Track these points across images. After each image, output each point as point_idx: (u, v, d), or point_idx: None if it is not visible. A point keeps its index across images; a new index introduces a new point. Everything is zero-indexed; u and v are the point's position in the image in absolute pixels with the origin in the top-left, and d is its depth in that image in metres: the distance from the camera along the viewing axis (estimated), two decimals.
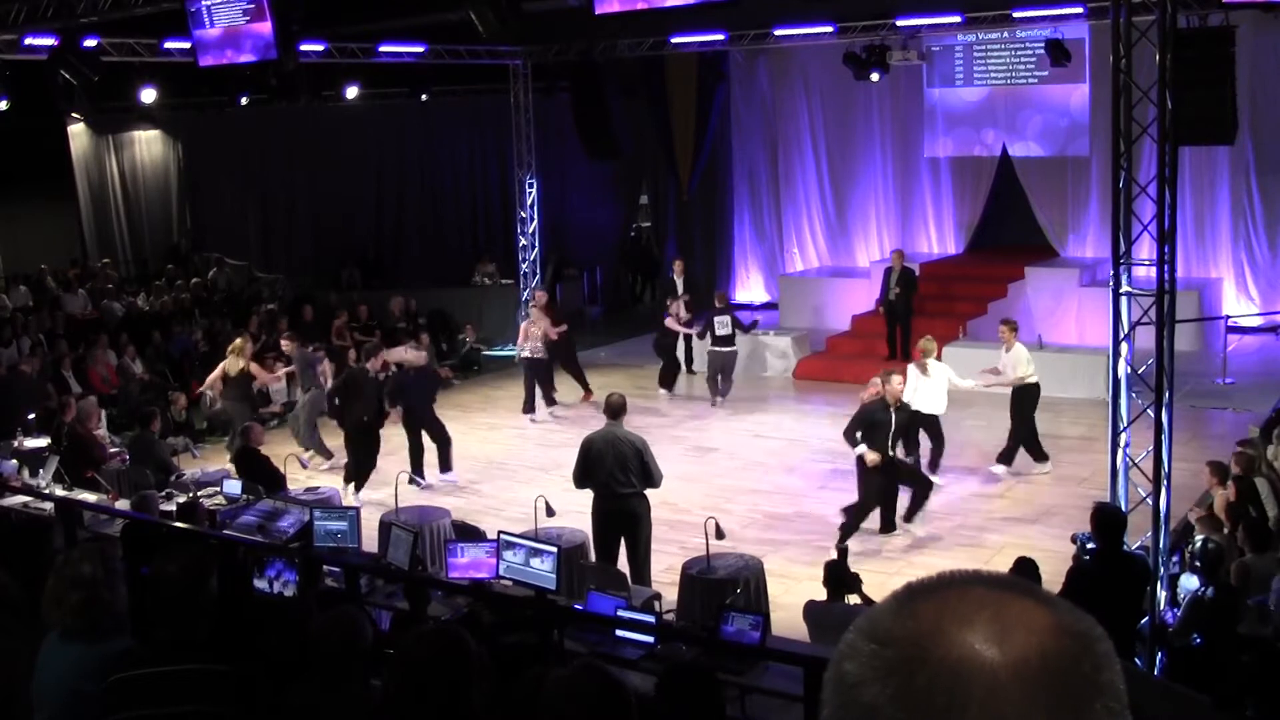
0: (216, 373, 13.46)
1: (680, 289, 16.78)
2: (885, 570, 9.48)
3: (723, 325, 15.37)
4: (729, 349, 15.46)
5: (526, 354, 15.10)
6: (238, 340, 13.84)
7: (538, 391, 15.22)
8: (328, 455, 13.30)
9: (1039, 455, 12.12)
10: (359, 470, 12.05)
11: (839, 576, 7.65)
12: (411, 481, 11.27)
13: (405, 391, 12.59)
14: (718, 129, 20.95)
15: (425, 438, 12.56)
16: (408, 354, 13.96)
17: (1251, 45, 14.77)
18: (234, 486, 10.16)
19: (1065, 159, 18.15)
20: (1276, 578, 7.15)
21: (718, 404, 15.38)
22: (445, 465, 12.55)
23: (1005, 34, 17.31)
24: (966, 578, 1.00)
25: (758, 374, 17.10)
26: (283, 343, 13.78)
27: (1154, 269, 8.23)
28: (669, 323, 16.18)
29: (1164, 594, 8.03)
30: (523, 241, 19.67)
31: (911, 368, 11.84)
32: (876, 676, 0.94)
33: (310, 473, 12.90)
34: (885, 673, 0.93)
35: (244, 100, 17.78)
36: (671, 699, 4.18)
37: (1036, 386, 12.20)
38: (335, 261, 21.62)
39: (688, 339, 16.38)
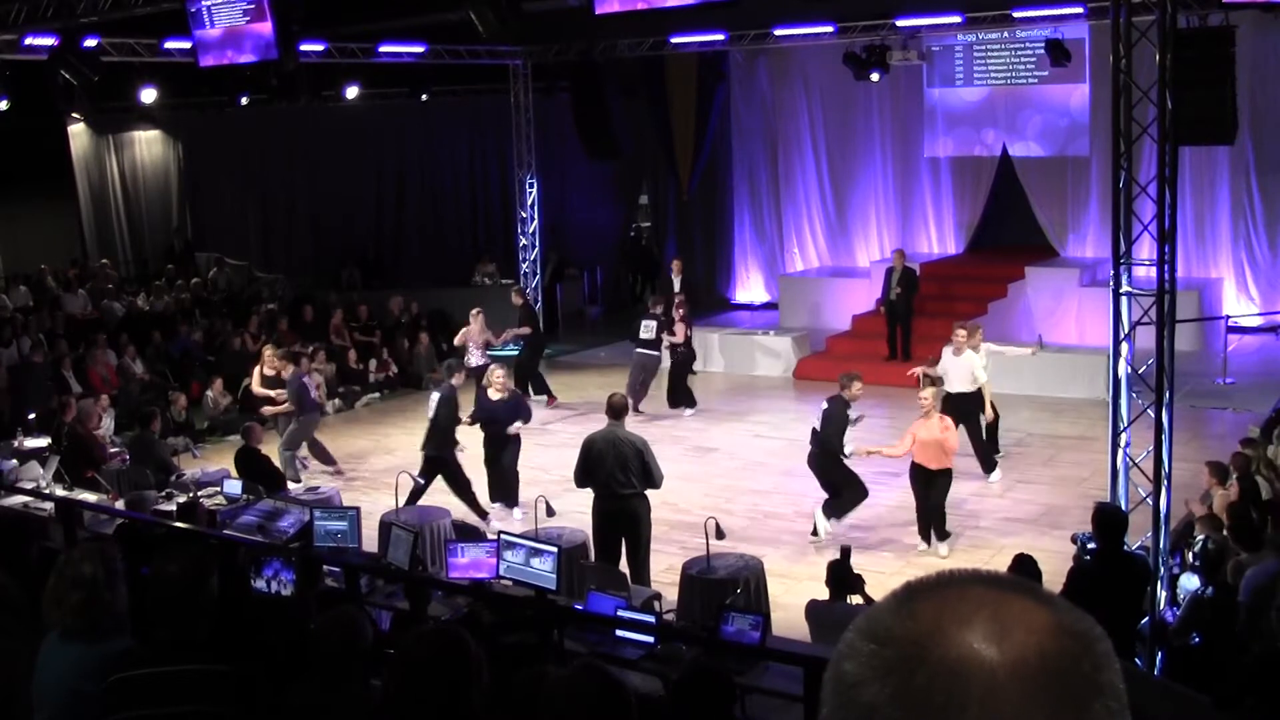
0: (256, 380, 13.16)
1: (677, 287, 16.68)
2: (886, 570, 9.48)
3: (647, 329, 14.94)
4: (651, 353, 15.01)
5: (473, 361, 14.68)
6: (267, 351, 13.57)
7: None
8: (296, 479, 12.72)
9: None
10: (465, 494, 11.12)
11: (841, 576, 7.64)
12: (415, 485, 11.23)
13: (494, 418, 11.49)
14: (718, 129, 20.94)
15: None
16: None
17: (1251, 45, 14.77)
18: (234, 486, 10.17)
19: (1065, 159, 18.15)
20: (1248, 574, 7.11)
21: (640, 414, 14.40)
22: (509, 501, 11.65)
23: (1005, 34, 17.30)
24: (966, 577, 1.00)
25: (757, 374, 17.10)
26: (277, 365, 13.12)
27: (1154, 269, 8.23)
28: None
29: (1164, 594, 8.03)
30: (523, 241, 19.67)
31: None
32: (875, 676, 0.93)
33: (310, 473, 12.90)
34: (884, 672, 0.93)
35: (244, 100, 17.78)
36: (686, 700, 4.20)
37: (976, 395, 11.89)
38: (335, 261, 21.61)
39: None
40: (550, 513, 8.91)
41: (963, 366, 11.91)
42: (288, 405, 12.81)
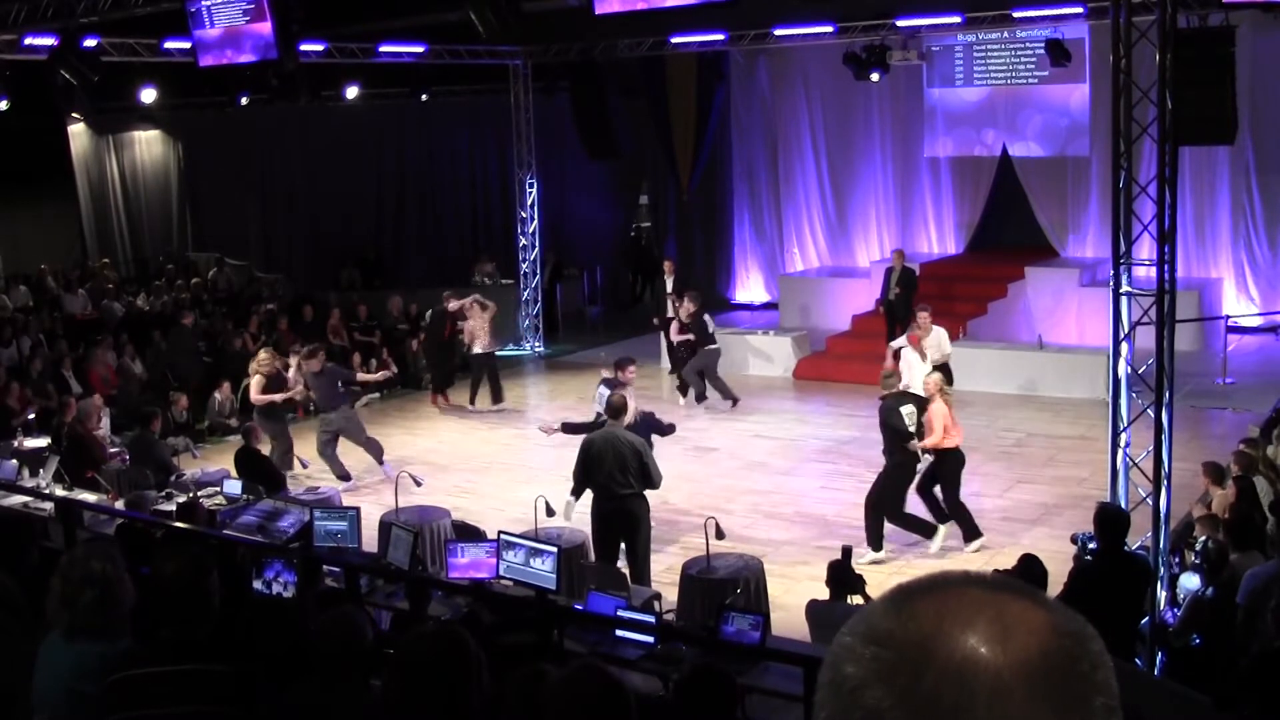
0: (256, 384, 12.56)
1: (669, 288, 16.66)
2: (885, 570, 9.49)
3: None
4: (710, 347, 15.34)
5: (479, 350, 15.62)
6: (262, 354, 13.01)
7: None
8: (346, 477, 12.64)
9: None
10: None
11: (842, 577, 7.64)
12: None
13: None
14: (718, 129, 20.93)
15: None
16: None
17: (1251, 45, 14.76)
18: (234, 486, 10.17)
19: (1065, 159, 18.15)
20: (1246, 575, 7.12)
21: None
22: None
23: (1005, 34, 17.30)
24: (960, 579, 1.00)
25: (757, 374, 17.09)
26: (307, 363, 12.86)
27: (1154, 269, 8.23)
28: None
29: (1164, 594, 8.03)
30: (523, 241, 19.66)
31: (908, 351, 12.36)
32: (879, 679, 0.93)
33: (309, 472, 12.88)
34: (889, 675, 0.93)
35: (244, 100, 17.78)
36: (689, 700, 4.20)
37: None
38: (335, 261, 21.61)
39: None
40: (550, 513, 8.91)
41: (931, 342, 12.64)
42: (300, 391, 12.83)
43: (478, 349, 15.72)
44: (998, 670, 0.92)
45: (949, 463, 10.04)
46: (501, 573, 7.34)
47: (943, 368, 12.29)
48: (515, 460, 13.46)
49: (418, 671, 3.11)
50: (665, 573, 9.21)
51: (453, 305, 15.91)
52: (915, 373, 11.93)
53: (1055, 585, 7.29)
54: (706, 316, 15.46)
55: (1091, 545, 7.87)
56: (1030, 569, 7.20)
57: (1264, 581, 6.84)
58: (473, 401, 15.80)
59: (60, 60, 12.29)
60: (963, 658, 0.92)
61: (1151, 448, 8.25)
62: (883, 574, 9.15)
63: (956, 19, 16.12)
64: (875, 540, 9.97)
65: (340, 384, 13.16)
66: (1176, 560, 8.48)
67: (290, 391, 13.04)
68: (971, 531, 10.03)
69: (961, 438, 10.15)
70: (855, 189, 20.26)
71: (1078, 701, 0.93)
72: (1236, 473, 9.22)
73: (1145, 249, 8.50)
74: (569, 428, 10.70)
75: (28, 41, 13.07)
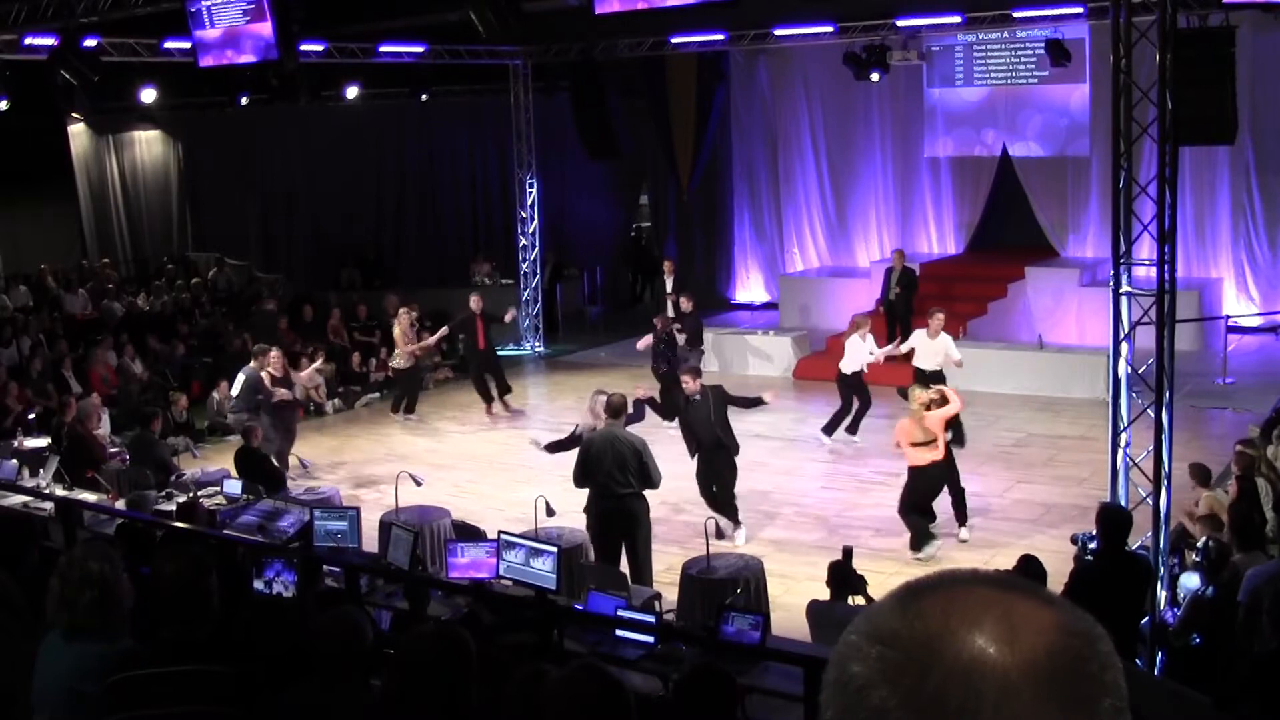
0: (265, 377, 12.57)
1: (669, 288, 16.61)
2: (885, 570, 9.47)
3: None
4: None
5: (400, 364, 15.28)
6: (273, 353, 13.00)
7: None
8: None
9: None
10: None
11: (843, 577, 7.64)
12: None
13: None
14: (718, 129, 20.94)
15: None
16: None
17: (1251, 45, 14.77)
18: (234, 486, 10.17)
19: (1065, 159, 18.15)
20: (1248, 574, 7.11)
21: None
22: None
23: (1005, 34, 17.30)
24: (967, 577, 1.00)
25: (756, 374, 17.08)
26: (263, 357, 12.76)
27: (1154, 269, 8.23)
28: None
29: (1164, 594, 8.03)
30: (523, 241, 19.66)
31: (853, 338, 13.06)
32: (885, 679, 0.93)
33: (307, 472, 12.88)
34: (895, 675, 0.92)
35: (244, 100, 17.78)
36: (689, 700, 4.20)
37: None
38: (335, 261, 21.61)
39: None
40: (550, 513, 8.90)
41: (938, 347, 12.76)
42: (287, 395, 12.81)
43: (399, 363, 15.30)
44: (1005, 671, 0.91)
45: (916, 477, 10.03)
46: (501, 573, 7.34)
47: (936, 375, 12.24)
48: (515, 460, 13.43)
49: (418, 671, 3.11)
50: (665, 573, 9.21)
51: (474, 305, 15.66)
52: (858, 356, 12.94)
53: (1055, 585, 7.28)
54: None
55: (1092, 545, 7.87)
56: (1030, 569, 7.20)
57: (1265, 580, 6.84)
58: (395, 410, 15.35)
59: (60, 60, 12.29)
60: (970, 658, 0.92)
61: (1151, 448, 8.25)
62: (883, 574, 9.14)
63: (956, 19, 16.12)
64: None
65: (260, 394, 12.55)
66: (1176, 560, 8.48)
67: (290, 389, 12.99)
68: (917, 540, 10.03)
69: (924, 460, 9.97)
70: (855, 189, 20.26)
71: (1086, 702, 0.92)
72: (1237, 473, 9.22)
73: (1145, 249, 8.50)
74: (553, 447, 10.51)
75: (28, 41, 13.07)
